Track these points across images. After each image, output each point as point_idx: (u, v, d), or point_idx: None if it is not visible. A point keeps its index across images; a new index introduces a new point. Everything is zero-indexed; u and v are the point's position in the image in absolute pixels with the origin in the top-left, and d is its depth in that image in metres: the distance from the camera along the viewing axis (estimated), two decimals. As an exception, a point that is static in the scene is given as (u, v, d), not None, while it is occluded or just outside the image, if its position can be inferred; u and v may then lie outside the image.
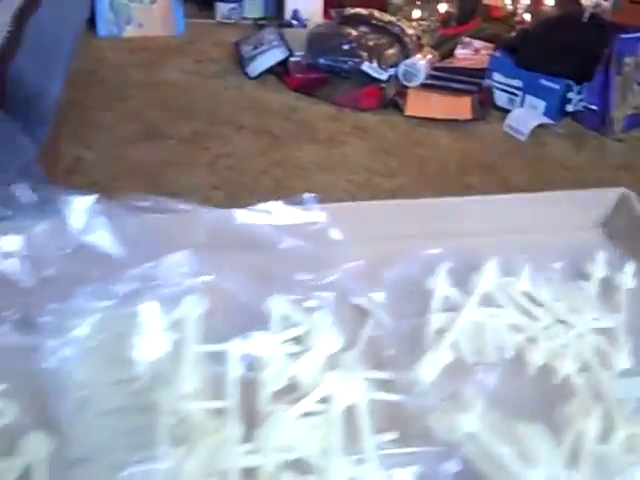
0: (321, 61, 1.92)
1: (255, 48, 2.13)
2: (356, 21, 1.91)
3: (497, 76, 1.56)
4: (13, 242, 0.50)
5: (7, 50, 0.86)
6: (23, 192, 0.49)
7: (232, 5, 2.50)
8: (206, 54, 2.37)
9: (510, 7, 1.93)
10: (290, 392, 0.49)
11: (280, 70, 2.11)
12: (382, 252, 0.55)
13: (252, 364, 0.50)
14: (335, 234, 0.54)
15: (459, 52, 1.69)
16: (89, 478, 0.46)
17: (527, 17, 1.94)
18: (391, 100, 1.72)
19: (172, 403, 0.47)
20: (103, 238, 0.51)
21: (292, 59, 2.08)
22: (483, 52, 1.65)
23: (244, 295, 0.52)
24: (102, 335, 0.50)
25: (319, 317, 0.51)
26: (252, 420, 0.47)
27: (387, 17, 1.82)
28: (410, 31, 1.66)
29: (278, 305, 0.51)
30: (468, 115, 1.50)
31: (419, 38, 1.69)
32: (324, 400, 0.48)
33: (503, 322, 0.55)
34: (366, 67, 1.71)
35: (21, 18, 0.93)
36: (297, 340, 0.51)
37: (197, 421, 0.46)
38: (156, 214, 0.52)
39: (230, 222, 0.54)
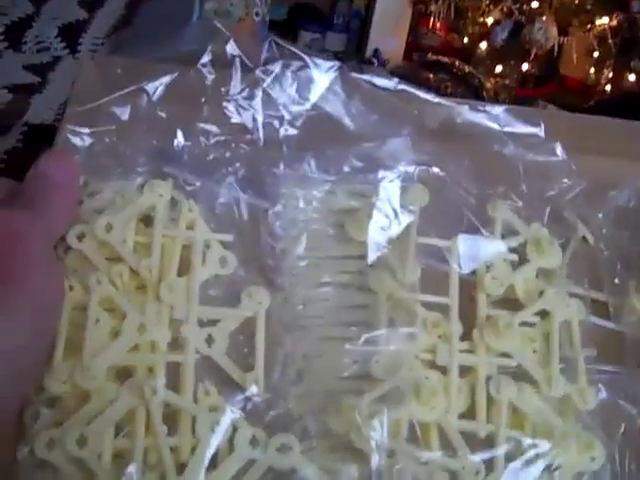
0: (397, 102, 1.90)
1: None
2: (436, 67, 1.90)
3: None
4: (256, 100, 0.48)
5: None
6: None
7: (315, 35, 2.48)
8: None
9: (593, 77, 1.88)
10: (507, 300, 0.48)
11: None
12: (607, 171, 0.52)
13: (471, 265, 0.48)
14: (558, 148, 0.52)
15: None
16: (304, 346, 0.46)
17: (607, 88, 1.90)
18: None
19: (394, 289, 0.46)
20: (336, 108, 0.49)
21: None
22: None
23: (467, 193, 0.49)
24: (326, 209, 0.48)
25: (538, 229, 0.49)
26: (470, 322, 0.47)
27: (468, 68, 1.81)
28: (488, 85, 1.65)
29: (501, 210, 0.49)
30: None
31: (496, 94, 1.68)
32: (540, 314, 0.47)
33: None
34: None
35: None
36: (516, 250, 0.49)
37: (416, 312, 0.46)
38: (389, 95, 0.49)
39: (457, 117, 0.51)
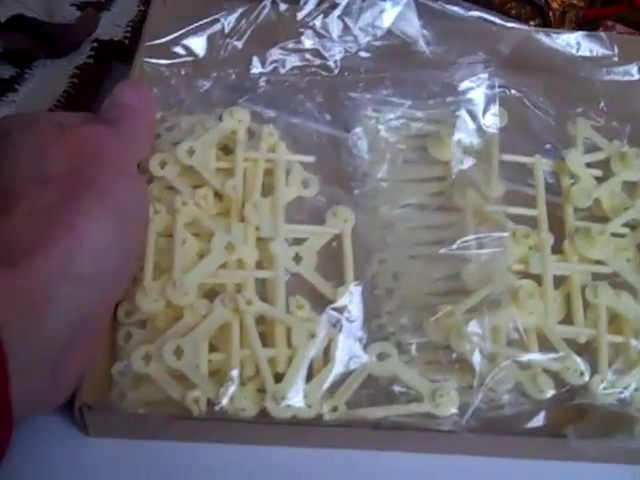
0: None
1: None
2: None
3: None
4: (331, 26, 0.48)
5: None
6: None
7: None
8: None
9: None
10: (592, 217, 0.47)
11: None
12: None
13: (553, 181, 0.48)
14: (633, 69, 0.51)
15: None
16: (391, 265, 0.45)
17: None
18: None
19: (480, 203, 0.45)
20: (410, 34, 0.48)
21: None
22: None
23: (545, 114, 0.49)
24: (406, 132, 0.48)
25: (620, 145, 0.49)
26: (558, 236, 0.46)
27: None
28: (555, 5, 1.61)
29: (582, 128, 0.48)
30: None
31: (563, 14, 1.64)
32: (630, 226, 0.47)
33: None
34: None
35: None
36: (599, 165, 0.49)
37: (504, 224, 0.45)
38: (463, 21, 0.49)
39: (533, 43, 0.51)
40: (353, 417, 0.39)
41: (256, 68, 0.48)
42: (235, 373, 0.39)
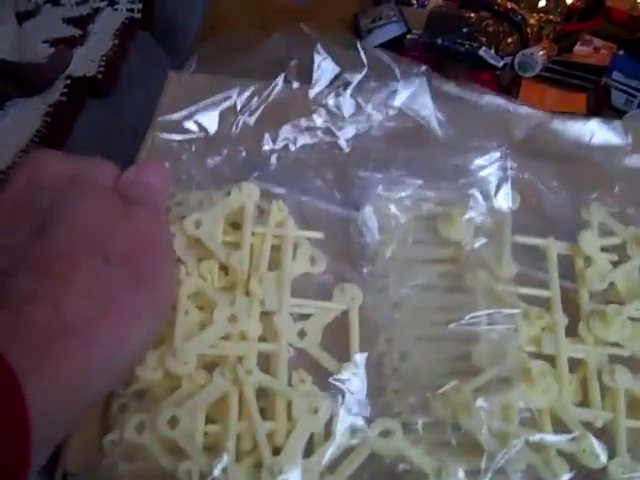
0: (438, 41, 1.86)
1: (373, 21, 2.11)
2: (478, 5, 1.85)
3: (617, 75, 1.45)
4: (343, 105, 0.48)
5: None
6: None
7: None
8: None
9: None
10: (607, 296, 0.46)
11: (395, 46, 2.08)
12: None
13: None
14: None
15: (578, 49, 1.62)
16: (399, 345, 0.43)
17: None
18: (505, 88, 1.64)
19: (491, 283, 0.44)
20: (423, 115, 0.48)
21: (409, 36, 2.04)
22: (603, 51, 1.58)
23: (559, 198, 0.48)
24: (417, 212, 0.47)
25: (635, 231, 0.48)
26: (574, 316, 0.44)
27: (510, 4, 1.75)
28: (532, 21, 1.61)
29: (596, 212, 0.48)
30: (583, 111, 1.43)
31: (540, 29, 1.62)
32: None
33: None
34: (483, 52, 1.68)
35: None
36: (613, 249, 0.47)
37: (517, 304, 0.44)
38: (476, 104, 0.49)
39: (547, 130, 0.51)
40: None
41: (267, 145, 0.48)
42: (231, 445, 0.37)
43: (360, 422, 0.39)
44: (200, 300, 0.42)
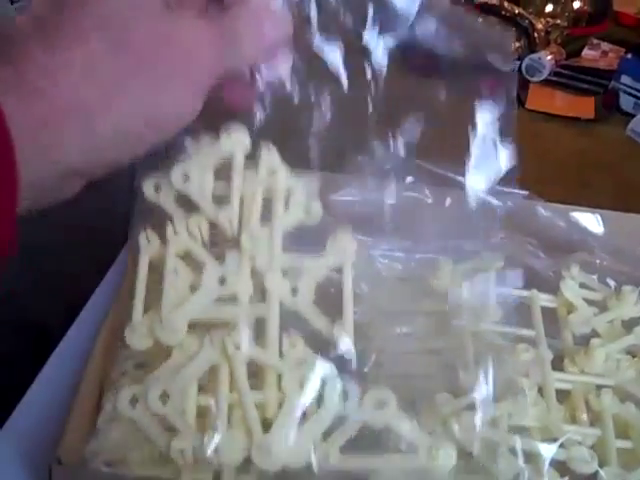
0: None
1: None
2: (485, 10, 1.83)
3: (625, 79, 1.42)
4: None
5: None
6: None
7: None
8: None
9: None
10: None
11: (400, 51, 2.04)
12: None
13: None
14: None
15: (586, 53, 1.60)
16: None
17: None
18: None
19: (477, 328, 0.44)
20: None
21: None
22: (611, 55, 1.55)
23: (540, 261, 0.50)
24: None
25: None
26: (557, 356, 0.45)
27: (517, 9, 1.72)
28: (539, 26, 1.59)
29: (577, 272, 0.49)
30: (591, 115, 1.40)
31: (548, 34, 1.59)
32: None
33: None
34: (490, 57, 1.64)
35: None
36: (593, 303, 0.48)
37: (501, 345, 0.44)
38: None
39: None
40: (346, 467, 0.36)
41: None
42: (221, 421, 0.35)
43: (353, 387, 0.37)
44: (190, 258, 0.40)
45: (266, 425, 0.35)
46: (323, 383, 0.36)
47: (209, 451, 0.34)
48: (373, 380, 0.39)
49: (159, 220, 0.41)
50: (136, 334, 0.37)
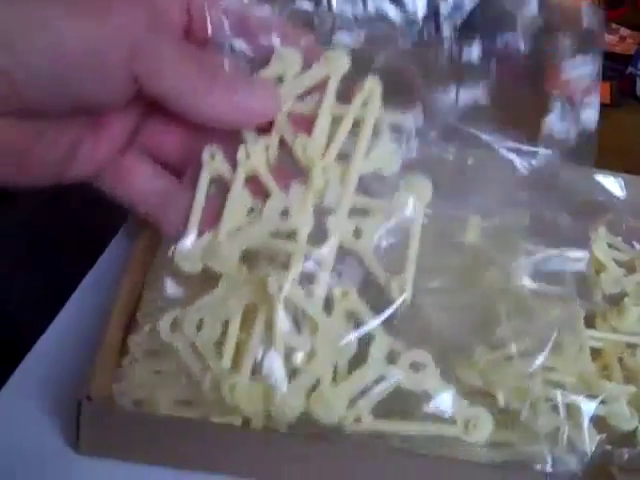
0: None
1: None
2: None
3: None
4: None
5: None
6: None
7: None
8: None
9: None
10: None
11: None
12: None
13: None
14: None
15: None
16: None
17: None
18: (530, 75, 1.59)
19: (505, 284, 0.43)
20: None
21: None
22: (629, 41, 1.52)
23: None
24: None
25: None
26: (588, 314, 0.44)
27: None
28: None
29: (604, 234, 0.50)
30: (607, 100, 1.36)
31: None
32: None
33: None
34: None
35: None
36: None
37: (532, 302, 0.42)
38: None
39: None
40: (378, 430, 0.35)
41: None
42: (248, 363, 0.34)
43: (399, 346, 0.36)
44: (255, 182, 0.38)
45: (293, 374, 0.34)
46: (370, 337, 0.35)
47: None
48: (405, 335, 0.37)
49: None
50: (187, 257, 0.36)
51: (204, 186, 0.38)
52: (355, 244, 0.37)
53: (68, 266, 0.48)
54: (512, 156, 0.45)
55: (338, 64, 0.38)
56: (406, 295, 0.36)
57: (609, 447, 0.37)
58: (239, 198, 0.37)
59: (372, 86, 0.38)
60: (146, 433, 0.34)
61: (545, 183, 0.48)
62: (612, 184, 0.53)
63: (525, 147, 0.45)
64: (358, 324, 0.35)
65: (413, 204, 0.38)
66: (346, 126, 0.38)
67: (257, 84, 0.38)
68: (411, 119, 0.39)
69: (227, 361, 0.35)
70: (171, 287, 0.37)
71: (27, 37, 0.30)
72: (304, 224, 0.37)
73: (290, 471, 0.35)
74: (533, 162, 0.47)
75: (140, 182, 0.39)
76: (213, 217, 0.37)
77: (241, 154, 0.37)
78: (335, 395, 0.34)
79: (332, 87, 0.38)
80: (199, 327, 0.35)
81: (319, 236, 0.37)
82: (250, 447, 0.35)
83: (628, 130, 1.28)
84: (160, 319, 0.35)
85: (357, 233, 0.37)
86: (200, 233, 0.37)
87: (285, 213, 0.37)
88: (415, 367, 0.35)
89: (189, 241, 0.36)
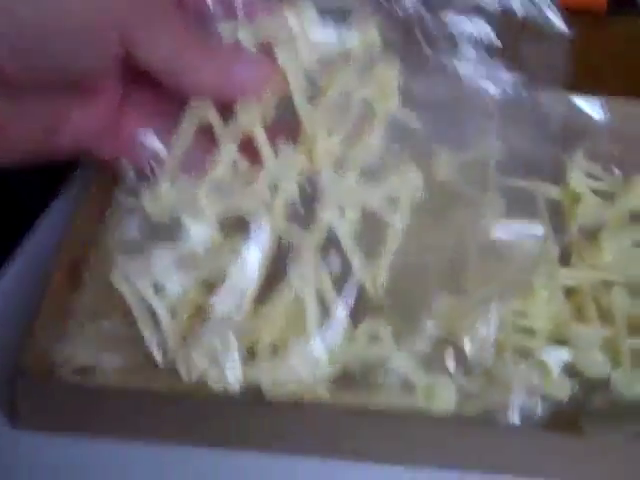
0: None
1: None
2: None
3: None
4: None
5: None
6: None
7: None
8: None
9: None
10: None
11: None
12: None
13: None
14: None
15: None
16: None
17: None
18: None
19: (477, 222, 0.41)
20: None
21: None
22: None
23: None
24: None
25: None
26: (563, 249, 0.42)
27: None
28: None
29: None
30: (603, 7, 1.31)
31: None
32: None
33: None
34: None
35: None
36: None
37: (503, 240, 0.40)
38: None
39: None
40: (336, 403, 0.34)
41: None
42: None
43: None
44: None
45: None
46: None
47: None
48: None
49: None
50: (157, 201, 0.34)
51: (188, 130, 0.36)
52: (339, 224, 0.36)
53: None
54: (487, 84, 0.44)
55: (367, 37, 0.38)
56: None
57: (580, 394, 0.36)
58: (227, 152, 0.35)
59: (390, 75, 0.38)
60: (85, 405, 0.33)
61: (519, 109, 0.46)
62: (593, 107, 0.50)
63: (501, 74, 0.44)
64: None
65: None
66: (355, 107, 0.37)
67: (250, 57, 0.36)
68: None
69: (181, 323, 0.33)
70: (131, 231, 0.36)
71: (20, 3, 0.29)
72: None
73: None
74: (506, 89, 0.45)
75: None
76: (192, 165, 0.35)
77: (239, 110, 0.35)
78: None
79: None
80: (157, 285, 0.33)
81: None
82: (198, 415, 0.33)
83: (626, 38, 1.22)
84: (115, 267, 0.33)
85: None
86: (174, 179, 0.35)
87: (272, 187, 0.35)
88: (371, 338, 0.35)
89: (163, 187, 0.35)
